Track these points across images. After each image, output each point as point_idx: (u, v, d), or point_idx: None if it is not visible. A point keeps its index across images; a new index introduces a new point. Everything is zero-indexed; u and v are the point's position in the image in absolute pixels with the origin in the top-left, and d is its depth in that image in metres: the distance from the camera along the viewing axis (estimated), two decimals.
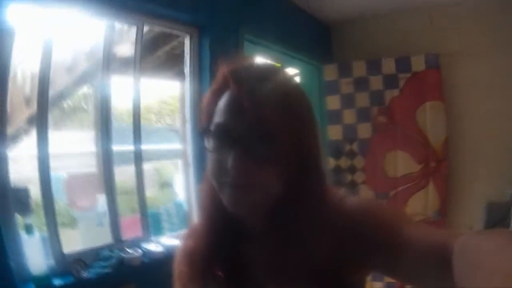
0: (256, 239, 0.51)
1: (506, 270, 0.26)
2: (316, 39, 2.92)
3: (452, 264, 0.34)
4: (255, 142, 0.43)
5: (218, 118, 0.46)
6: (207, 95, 0.49)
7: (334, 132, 2.83)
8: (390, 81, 2.65)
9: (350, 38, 3.00)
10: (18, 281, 1.16)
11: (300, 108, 0.47)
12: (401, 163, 2.63)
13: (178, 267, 0.57)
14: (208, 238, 0.52)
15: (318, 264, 0.44)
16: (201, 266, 0.52)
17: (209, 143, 0.46)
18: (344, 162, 2.82)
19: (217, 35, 1.90)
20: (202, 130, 0.48)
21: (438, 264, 0.37)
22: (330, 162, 2.80)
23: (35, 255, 1.23)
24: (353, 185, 2.78)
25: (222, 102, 0.46)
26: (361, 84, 2.73)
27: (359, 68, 2.74)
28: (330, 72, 2.83)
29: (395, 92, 2.65)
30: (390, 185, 2.67)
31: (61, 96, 2.28)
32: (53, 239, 1.33)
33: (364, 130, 2.76)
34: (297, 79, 0.44)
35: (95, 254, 1.44)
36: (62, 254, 1.35)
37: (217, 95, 0.47)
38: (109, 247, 1.50)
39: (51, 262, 1.31)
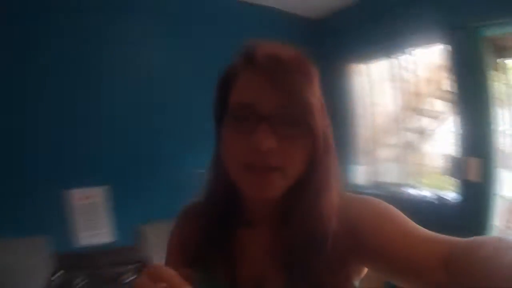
0: (257, 223, 0.52)
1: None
2: None
3: (449, 268, 0.36)
4: (284, 121, 0.42)
5: (239, 97, 0.44)
6: (221, 77, 0.48)
7: None
8: None
9: None
10: None
11: (318, 88, 0.46)
12: None
13: (175, 237, 0.59)
14: (207, 220, 0.52)
15: (324, 254, 0.44)
16: (198, 245, 0.52)
17: (227, 124, 0.45)
18: None
19: None
20: (217, 110, 0.48)
21: (434, 266, 0.38)
22: None
23: None
24: None
25: (242, 82, 0.45)
26: None
27: None
28: None
29: None
30: None
31: None
32: None
33: None
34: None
35: None
36: None
37: (233, 77, 0.46)
38: None
39: None
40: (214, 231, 0.52)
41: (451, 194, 1.96)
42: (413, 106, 2.29)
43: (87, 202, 1.90)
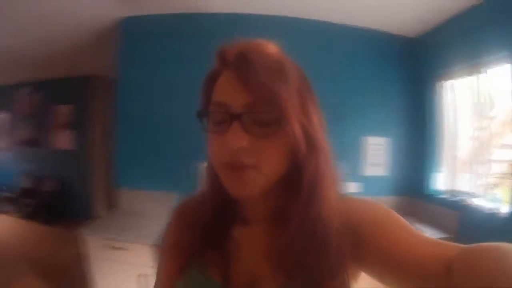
0: (253, 222, 0.51)
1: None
2: None
3: (455, 271, 0.35)
4: (257, 119, 0.41)
5: (215, 97, 0.44)
6: (204, 78, 0.48)
7: None
8: None
9: None
10: None
11: (299, 82, 0.45)
12: None
13: (171, 233, 0.57)
14: (203, 218, 0.52)
15: (318, 253, 0.43)
16: (193, 243, 0.51)
17: (207, 124, 0.45)
18: None
19: None
20: (200, 111, 0.46)
21: (438, 270, 0.36)
22: None
23: None
24: None
25: (220, 82, 0.45)
26: None
27: None
28: None
29: None
30: None
31: None
32: None
33: None
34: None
35: None
36: None
37: (213, 78, 0.46)
38: None
39: None
40: (209, 229, 0.51)
41: None
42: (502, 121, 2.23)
43: None
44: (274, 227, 0.48)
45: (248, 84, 0.40)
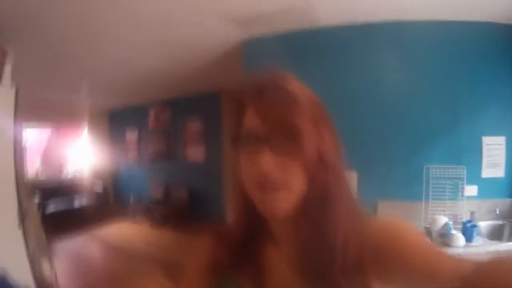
0: (282, 241, 0.54)
1: None
2: None
3: (473, 283, 0.37)
4: (280, 141, 0.46)
5: (245, 124, 0.50)
6: (234, 108, 0.54)
7: None
8: None
9: None
10: None
11: (313, 111, 0.50)
12: None
13: (199, 255, 0.61)
14: (236, 237, 0.56)
15: (343, 269, 0.46)
16: (227, 260, 0.55)
17: (240, 149, 0.50)
18: None
19: None
20: (232, 136, 0.52)
21: (456, 284, 0.38)
22: None
23: None
24: None
25: (248, 112, 0.50)
26: None
27: None
28: None
29: None
30: None
31: None
32: None
33: None
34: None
35: None
36: None
37: (242, 107, 0.52)
38: None
39: None
40: (242, 247, 0.55)
41: None
42: None
43: None
44: (299, 244, 0.50)
45: (265, 116, 0.47)
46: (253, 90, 0.51)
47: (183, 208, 5.72)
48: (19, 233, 2.31)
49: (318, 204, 0.49)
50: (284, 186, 0.47)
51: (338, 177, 0.51)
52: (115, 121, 7.58)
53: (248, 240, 0.55)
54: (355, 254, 0.47)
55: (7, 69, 2.43)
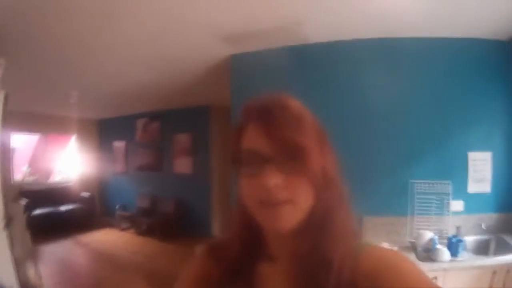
0: (279, 259, 0.54)
1: None
2: None
3: None
4: (286, 159, 0.46)
5: (246, 144, 0.50)
6: (233, 130, 0.54)
7: None
8: None
9: None
10: None
11: (316, 130, 0.51)
12: None
13: (192, 269, 0.60)
14: (231, 254, 0.56)
15: (338, 284, 0.46)
16: (222, 276, 0.55)
17: (241, 169, 0.49)
18: None
19: None
20: (233, 158, 0.52)
21: None
22: None
23: None
24: None
25: (249, 132, 0.50)
26: None
27: None
28: None
29: None
30: None
31: None
32: None
33: None
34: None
35: None
36: None
37: (241, 129, 0.52)
38: None
39: None
40: (237, 264, 0.55)
41: None
42: None
43: None
44: (297, 264, 0.50)
45: (271, 135, 0.47)
46: (258, 110, 0.50)
47: (170, 220, 5.75)
48: (3, 236, 2.27)
49: (321, 220, 0.50)
50: (290, 201, 0.47)
51: (341, 194, 0.52)
52: (104, 131, 7.64)
53: (243, 257, 0.55)
54: (350, 276, 0.47)
55: None
